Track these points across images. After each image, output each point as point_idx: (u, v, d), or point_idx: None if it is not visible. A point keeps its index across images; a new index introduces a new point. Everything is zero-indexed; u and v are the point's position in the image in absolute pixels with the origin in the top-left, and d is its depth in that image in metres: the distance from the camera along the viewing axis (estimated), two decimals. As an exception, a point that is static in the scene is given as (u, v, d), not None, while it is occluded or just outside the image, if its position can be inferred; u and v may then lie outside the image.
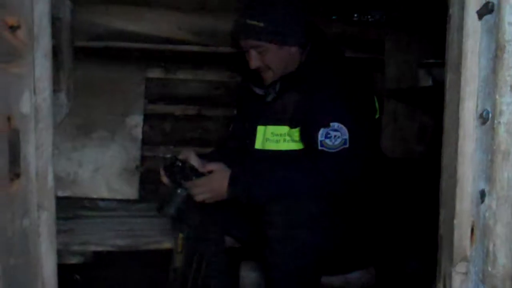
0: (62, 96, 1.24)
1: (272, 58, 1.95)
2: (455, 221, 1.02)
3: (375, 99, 2.02)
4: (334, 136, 1.83)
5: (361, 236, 1.95)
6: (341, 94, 1.87)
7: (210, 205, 1.91)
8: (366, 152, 1.91)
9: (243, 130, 2.12)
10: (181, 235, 2.02)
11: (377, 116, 2.03)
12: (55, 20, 1.22)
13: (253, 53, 1.96)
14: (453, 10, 1.06)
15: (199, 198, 1.85)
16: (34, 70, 1.00)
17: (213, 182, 1.86)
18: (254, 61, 1.96)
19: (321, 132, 1.84)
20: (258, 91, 2.05)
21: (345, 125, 1.83)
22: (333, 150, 1.83)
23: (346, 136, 1.83)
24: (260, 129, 2.02)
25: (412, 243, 2.39)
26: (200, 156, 1.98)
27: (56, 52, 1.24)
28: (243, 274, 2.02)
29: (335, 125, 1.83)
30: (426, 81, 2.50)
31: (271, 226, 1.77)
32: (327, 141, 1.84)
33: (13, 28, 0.98)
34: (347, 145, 1.83)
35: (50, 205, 1.03)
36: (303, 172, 1.83)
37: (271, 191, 1.81)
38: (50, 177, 1.02)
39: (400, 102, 2.90)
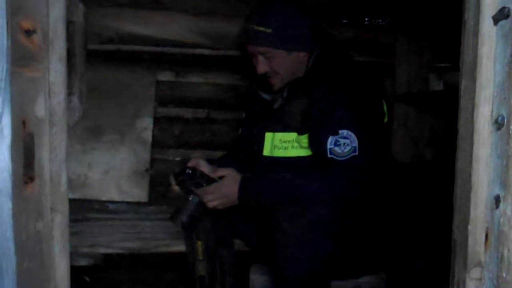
0: (75, 100, 1.24)
1: (280, 64, 1.95)
2: (469, 227, 1.02)
3: (384, 103, 2.01)
4: (343, 144, 1.83)
5: (371, 240, 1.94)
6: (349, 99, 1.87)
7: (220, 210, 1.91)
8: (376, 158, 1.89)
9: (251, 135, 2.12)
10: (199, 243, 2.01)
11: (385, 121, 2.02)
12: (68, 24, 1.22)
13: (260, 58, 1.95)
14: (468, 15, 1.06)
15: (211, 204, 1.86)
16: (49, 74, 1.00)
17: (224, 187, 1.86)
18: (262, 67, 1.96)
19: (330, 140, 1.83)
20: (266, 96, 2.04)
21: (354, 132, 1.83)
22: (342, 158, 1.83)
23: (356, 143, 1.83)
24: (268, 136, 2.01)
25: (423, 248, 2.38)
26: (210, 161, 1.98)
27: (69, 55, 1.24)
28: (252, 277, 2.01)
29: (344, 132, 1.83)
30: (437, 85, 2.49)
31: (280, 230, 1.77)
32: (336, 148, 1.83)
33: (28, 33, 0.98)
34: (356, 153, 1.83)
35: (64, 208, 1.04)
36: (313, 178, 1.83)
37: (281, 197, 1.82)
38: (63, 180, 1.03)
39: (410, 106, 2.89)
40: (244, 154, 2.15)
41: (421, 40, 2.86)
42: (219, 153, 2.53)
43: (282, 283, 1.82)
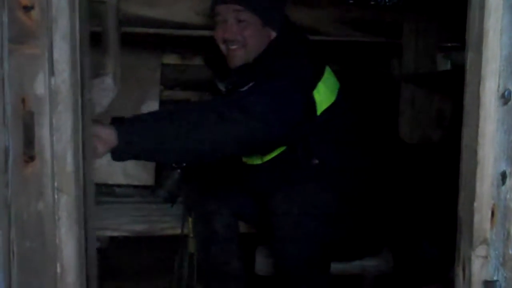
0: (108, 80, 1.23)
1: (252, 34, 1.85)
2: (475, 204, 1.00)
3: (315, 97, 1.84)
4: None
5: (374, 222, 1.93)
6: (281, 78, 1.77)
7: (222, 192, 1.88)
8: (278, 109, 1.69)
9: None
10: (190, 219, 2.02)
11: (327, 106, 1.84)
12: (99, 4, 1.21)
13: (233, 22, 1.85)
14: (474, -12, 1.03)
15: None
16: (52, 52, 0.99)
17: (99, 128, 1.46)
18: (231, 31, 1.84)
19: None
20: (221, 86, 1.95)
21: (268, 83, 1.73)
22: (242, 89, 1.75)
23: (266, 86, 1.72)
24: None
25: (431, 228, 2.37)
26: None
27: (101, 35, 1.22)
28: (258, 260, 2.01)
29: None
30: (444, 65, 2.47)
31: (276, 213, 1.75)
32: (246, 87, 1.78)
33: (27, 9, 0.97)
34: (260, 87, 1.73)
35: (69, 188, 1.02)
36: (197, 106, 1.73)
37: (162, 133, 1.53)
38: (69, 160, 1.01)
39: (417, 86, 2.86)
40: None
41: (428, 19, 2.82)
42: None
43: (281, 266, 1.82)
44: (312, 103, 1.80)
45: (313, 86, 1.82)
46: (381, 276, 2.05)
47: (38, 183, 1.02)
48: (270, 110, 1.66)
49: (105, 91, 1.24)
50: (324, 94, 1.84)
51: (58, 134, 1.00)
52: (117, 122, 1.46)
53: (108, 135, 1.43)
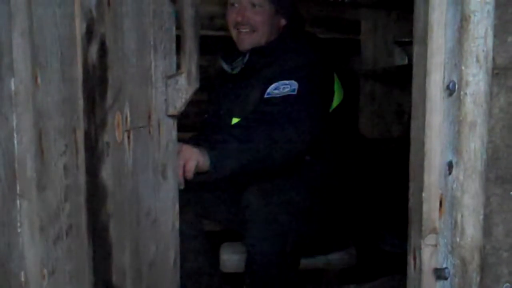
0: (182, 80, 1.19)
1: (264, 20, 1.89)
2: (423, 194, 1.02)
3: (337, 82, 1.97)
4: (282, 87, 1.78)
5: (340, 217, 1.95)
6: (301, 69, 1.84)
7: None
8: (313, 110, 1.80)
9: (218, 118, 2.07)
10: None
11: (337, 103, 1.95)
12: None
13: (247, 6, 1.89)
14: (419, -18, 1.05)
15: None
16: (12, 51, 0.96)
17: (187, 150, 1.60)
18: (246, 13, 1.88)
19: (271, 87, 1.80)
20: (226, 67, 1.99)
21: (296, 82, 1.78)
22: (278, 95, 1.77)
23: (295, 87, 1.77)
24: (235, 121, 1.95)
25: (393, 222, 2.40)
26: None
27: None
28: (223, 257, 2.01)
29: (286, 81, 1.79)
30: (401, 60, 2.50)
31: (249, 208, 1.76)
32: (275, 91, 1.79)
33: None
34: (294, 93, 1.77)
35: (30, 194, 0.99)
36: (249, 122, 1.75)
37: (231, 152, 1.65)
38: (29, 166, 0.98)
39: (377, 82, 2.89)
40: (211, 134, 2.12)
41: (386, 16, 2.86)
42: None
43: (252, 262, 1.82)
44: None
45: (333, 80, 1.92)
46: (345, 269, 2.08)
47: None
48: (308, 117, 1.75)
49: (179, 92, 1.21)
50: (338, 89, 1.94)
51: (18, 137, 0.98)
52: (205, 145, 1.58)
53: (198, 156, 1.54)
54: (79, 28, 1.02)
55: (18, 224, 0.98)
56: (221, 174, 1.63)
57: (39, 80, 0.98)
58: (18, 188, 0.97)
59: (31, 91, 0.97)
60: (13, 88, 0.96)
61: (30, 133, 0.98)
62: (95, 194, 1.08)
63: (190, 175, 1.53)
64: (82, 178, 1.05)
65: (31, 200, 0.98)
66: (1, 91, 0.96)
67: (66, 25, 1.00)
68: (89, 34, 1.03)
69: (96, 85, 1.05)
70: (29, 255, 0.99)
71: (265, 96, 1.79)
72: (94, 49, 1.04)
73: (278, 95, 1.77)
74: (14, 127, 0.97)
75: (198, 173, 1.56)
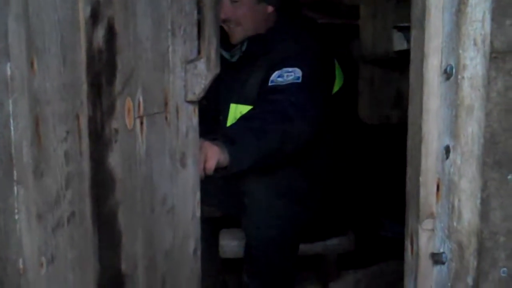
0: (201, 65, 1.17)
1: (245, 13, 1.88)
2: (420, 178, 1.02)
3: (337, 67, 1.96)
4: (286, 75, 1.78)
5: (339, 202, 1.95)
6: (303, 55, 1.83)
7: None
8: (317, 96, 1.80)
9: (217, 104, 2.07)
10: None
11: (338, 87, 1.95)
12: None
13: (227, 2, 1.87)
14: (417, -35, 1.05)
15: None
16: (8, 36, 0.95)
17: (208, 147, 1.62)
18: (226, 10, 1.86)
19: (275, 74, 1.79)
20: (224, 54, 1.96)
21: (300, 69, 1.78)
22: (283, 83, 1.77)
23: (300, 75, 1.77)
24: (232, 107, 1.95)
25: (391, 207, 2.40)
26: None
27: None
28: (222, 243, 2.02)
29: (289, 69, 1.78)
30: (401, 45, 2.49)
31: (249, 195, 1.77)
32: (279, 79, 1.78)
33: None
34: (299, 81, 1.76)
35: (27, 181, 0.99)
36: (258, 114, 1.75)
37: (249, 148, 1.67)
38: (25, 151, 0.98)
39: (376, 67, 2.89)
40: (211, 124, 2.11)
41: (385, 0, 2.84)
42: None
43: (251, 248, 1.83)
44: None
45: (334, 66, 1.92)
46: (343, 254, 2.08)
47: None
48: (314, 105, 1.76)
49: (198, 77, 1.19)
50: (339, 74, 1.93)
51: (14, 123, 0.97)
52: (226, 141, 1.59)
53: (218, 154, 1.55)
54: (83, 11, 1.00)
55: (16, 211, 0.98)
56: (239, 169, 1.64)
57: (35, 65, 0.97)
58: (15, 174, 0.97)
59: (27, 76, 0.96)
60: (9, 73, 0.95)
61: (26, 119, 0.97)
62: (101, 181, 1.07)
63: (210, 172, 1.54)
64: (86, 165, 1.04)
65: (28, 187, 0.98)
66: (-3, 77, 0.95)
67: (67, 8, 0.98)
68: (94, 17, 1.02)
69: (102, 70, 1.04)
70: (26, 242, 0.98)
71: (269, 84, 1.78)
72: (100, 33, 1.03)
73: (283, 83, 1.76)
74: (10, 112, 0.96)
75: (216, 169, 1.57)
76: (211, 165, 1.53)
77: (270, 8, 1.91)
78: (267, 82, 1.80)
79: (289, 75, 1.77)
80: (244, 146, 1.63)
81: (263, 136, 1.65)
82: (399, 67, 2.83)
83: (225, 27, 1.92)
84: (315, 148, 1.88)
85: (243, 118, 1.77)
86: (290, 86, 1.76)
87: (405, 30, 2.48)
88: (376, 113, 2.92)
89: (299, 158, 1.84)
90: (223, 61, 1.97)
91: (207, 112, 2.09)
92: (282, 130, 1.68)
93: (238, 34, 1.91)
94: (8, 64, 0.96)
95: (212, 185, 2.02)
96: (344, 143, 1.98)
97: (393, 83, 2.91)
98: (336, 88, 1.92)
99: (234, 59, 1.95)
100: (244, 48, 1.91)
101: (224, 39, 1.97)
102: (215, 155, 1.54)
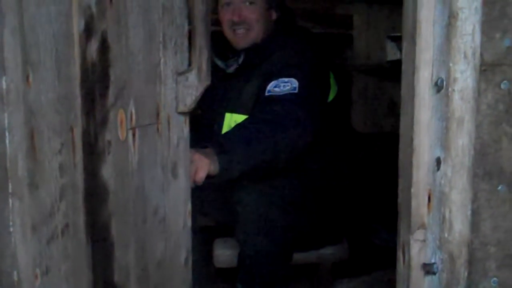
0: (192, 77, 1.18)
1: (258, 17, 1.90)
2: (412, 190, 1.03)
3: (332, 76, 1.97)
4: (283, 85, 1.79)
5: (333, 211, 1.96)
6: (299, 66, 1.84)
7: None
8: (313, 107, 1.81)
9: (211, 113, 2.07)
10: None
11: (333, 95, 1.97)
12: None
13: (242, 5, 1.89)
14: (408, -21, 1.06)
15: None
16: (3, 49, 0.95)
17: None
18: (242, 12, 1.88)
19: (271, 84, 1.79)
20: (220, 63, 1.99)
21: (296, 79, 1.79)
22: (279, 94, 1.77)
23: (296, 85, 1.78)
24: (227, 116, 1.96)
25: (385, 216, 2.41)
26: None
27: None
28: (216, 252, 2.02)
29: (286, 79, 1.79)
30: (394, 55, 2.50)
31: (241, 204, 1.77)
32: (276, 89, 1.79)
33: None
34: (296, 91, 1.77)
35: (21, 193, 0.99)
36: (253, 123, 1.74)
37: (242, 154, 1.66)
38: (20, 165, 0.98)
39: (369, 76, 2.90)
40: (205, 133, 2.12)
41: (379, 10, 2.87)
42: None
43: (245, 257, 1.83)
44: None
45: (329, 75, 1.95)
46: (338, 263, 2.09)
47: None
48: (310, 115, 1.75)
49: (189, 89, 1.19)
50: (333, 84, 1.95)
51: (10, 136, 0.97)
52: (217, 149, 1.58)
53: (208, 166, 1.54)
54: (77, 25, 1.01)
55: (10, 223, 0.98)
56: (230, 177, 1.64)
57: (30, 78, 0.98)
58: (10, 187, 0.97)
59: (22, 89, 0.97)
60: (4, 86, 0.96)
61: (21, 131, 0.97)
62: (94, 193, 1.07)
63: (200, 182, 1.54)
64: (80, 176, 1.04)
65: (23, 199, 0.98)
66: (-8, 90, 0.96)
67: (61, 22, 0.99)
68: (88, 31, 1.03)
69: (96, 82, 1.04)
70: (21, 254, 0.98)
71: (266, 94, 1.79)
72: (94, 46, 1.03)
73: (280, 93, 1.77)
74: (6, 125, 0.96)
75: (207, 177, 1.58)
76: (201, 177, 1.53)
77: (274, 15, 1.93)
78: (264, 92, 1.80)
79: (286, 85, 1.78)
80: (235, 155, 1.63)
81: (255, 145, 1.65)
82: (392, 76, 2.85)
83: (230, 33, 1.93)
84: (308, 157, 1.89)
85: (237, 126, 1.77)
86: (286, 97, 1.76)
87: (398, 40, 2.50)
88: (370, 122, 2.93)
89: (293, 167, 1.85)
90: (218, 70, 2.01)
91: (202, 121, 2.10)
92: (275, 140, 1.68)
93: (246, 40, 1.92)
94: (4, 78, 0.96)
95: (206, 195, 2.03)
96: (338, 151, 1.99)
97: (386, 92, 2.93)
98: (330, 97, 1.93)
99: (231, 70, 1.96)
100: (241, 60, 1.92)
101: (221, 49, 1.98)
102: (205, 167, 1.55)
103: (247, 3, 1.89)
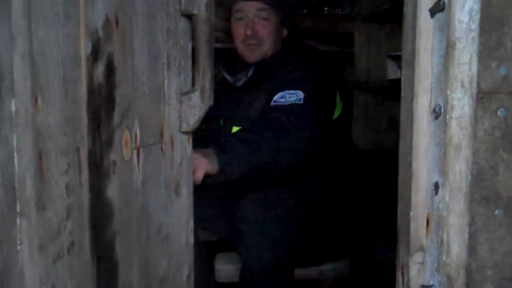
0: (195, 97, 1.20)
1: (271, 32, 1.94)
2: (411, 213, 1.05)
3: (338, 94, 2.01)
4: (288, 96, 1.82)
5: (334, 227, 1.98)
6: (307, 82, 1.88)
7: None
8: (318, 119, 1.86)
9: (218, 127, 2.10)
10: None
11: (339, 113, 2.02)
12: (190, 16, 1.18)
13: (256, 20, 1.93)
14: (407, 8, 1.09)
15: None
16: (13, 73, 0.97)
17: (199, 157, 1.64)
18: (255, 27, 1.93)
19: (277, 95, 1.83)
20: (228, 77, 2.02)
21: (302, 91, 1.83)
22: (285, 104, 1.81)
23: (301, 97, 1.82)
24: (235, 129, 1.99)
25: (386, 232, 2.43)
26: None
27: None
28: (218, 267, 2.03)
29: (292, 91, 1.83)
30: (394, 74, 2.53)
31: (245, 220, 1.79)
32: (281, 99, 1.82)
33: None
34: (301, 102, 1.81)
35: (29, 213, 1.01)
36: (256, 128, 1.79)
37: (241, 157, 1.71)
38: (28, 184, 0.99)
39: (370, 94, 2.93)
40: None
41: (380, 29, 2.90)
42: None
43: (247, 272, 1.85)
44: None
45: (335, 93, 1.99)
46: (339, 279, 2.10)
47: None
48: (314, 125, 1.81)
49: (192, 109, 1.22)
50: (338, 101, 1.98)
51: (18, 157, 0.99)
52: (217, 149, 1.63)
53: (206, 165, 1.59)
54: (84, 48, 1.03)
55: (18, 242, 1.00)
56: (228, 177, 1.67)
57: (39, 101, 1.00)
58: (18, 207, 1.00)
59: (31, 112, 0.99)
60: (13, 109, 0.98)
61: (30, 153, 0.99)
62: (100, 212, 1.09)
63: (198, 182, 1.57)
64: (85, 196, 1.06)
65: (31, 219, 1.00)
66: (1, 112, 0.97)
67: (69, 45, 1.01)
68: (94, 54, 1.05)
69: (102, 104, 1.06)
70: (28, 273, 0.99)
71: (271, 104, 1.83)
72: (100, 69, 1.06)
73: (285, 103, 1.81)
74: (15, 147, 0.99)
75: (206, 176, 1.61)
76: (199, 176, 1.57)
77: (285, 32, 1.97)
78: (270, 103, 1.84)
79: (291, 96, 1.82)
80: (235, 155, 1.66)
81: (255, 147, 1.69)
82: (393, 94, 2.87)
83: (242, 47, 1.97)
84: (310, 174, 1.91)
85: (240, 130, 1.81)
86: (291, 107, 1.80)
87: (398, 59, 2.53)
88: (370, 139, 2.95)
89: (295, 183, 1.87)
90: (227, 84, 2.04)
91: (209, 134, 2.13)
92: (276, 145, 1.71)
93: (258, 53, 1.96)
94: (13, 100, 0.98)
95: (209, 210, 2.05)
96: (340, 168, 2.01)
97: (386, 110, 2.96)
98: (335, 115, 1.96)
99: (239, 84, 1.99)
100: (250, 74, 1.95)
101: (229, 63, 2.02)
102: (203, 166, 1.58)
103: (261, 18, 1.92)
